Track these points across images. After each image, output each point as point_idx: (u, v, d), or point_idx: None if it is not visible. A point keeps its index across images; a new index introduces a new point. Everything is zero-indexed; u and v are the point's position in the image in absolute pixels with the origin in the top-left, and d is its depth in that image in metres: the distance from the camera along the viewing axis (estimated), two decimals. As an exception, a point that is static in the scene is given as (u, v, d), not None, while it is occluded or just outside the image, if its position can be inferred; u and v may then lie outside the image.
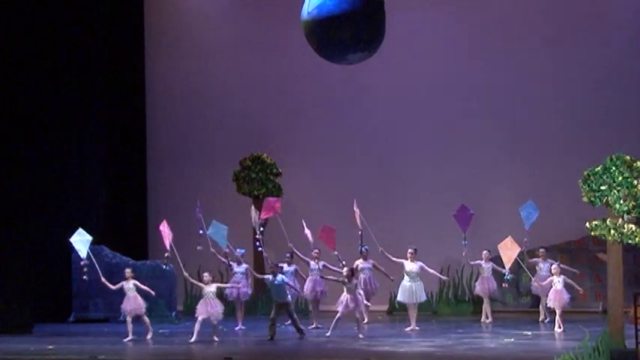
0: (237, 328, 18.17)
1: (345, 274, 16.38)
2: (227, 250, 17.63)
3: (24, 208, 20.97)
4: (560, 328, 16.59)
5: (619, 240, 12.96)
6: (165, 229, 17.02)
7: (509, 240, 16.51)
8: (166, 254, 17.15)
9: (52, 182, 21.29)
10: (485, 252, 18.43)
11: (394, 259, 17.57)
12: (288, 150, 22.40)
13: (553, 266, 17.15)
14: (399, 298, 17.79)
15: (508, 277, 16.49)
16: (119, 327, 18.19)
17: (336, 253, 16.93)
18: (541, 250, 18.56)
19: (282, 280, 16.36)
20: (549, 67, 21.26)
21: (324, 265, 17.97)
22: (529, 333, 16.58)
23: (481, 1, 21.82)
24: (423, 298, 17.87)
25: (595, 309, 19.80)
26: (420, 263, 17.59)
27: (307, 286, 18.25)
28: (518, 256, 16.57)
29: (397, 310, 21.26)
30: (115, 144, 22.54)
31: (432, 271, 17.77)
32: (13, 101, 21.10)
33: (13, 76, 21.03)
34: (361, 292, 16.86)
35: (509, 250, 16.45)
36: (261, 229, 17.91)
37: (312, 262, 18.08)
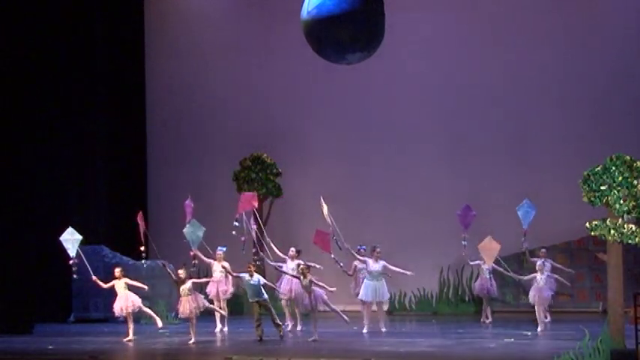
0: (216, 330, 17.87)
1: (300, 269, 16.25)
2: (195, 252, 17.02)
3: (24, 208, 20.99)
4: (542, 325, 16.67)
5: (619, 240, 12.95)
6: (140, 221, 17.32)
7: (488, 239, 16.59)
8: (142, 247, 17.31)
9: (52, 182, 21.32)
10: (498, 245, 18.31)
11: (360, 257, 17.35)
12: (288, 150, 22.40)
13: (537, 263, 17.21)
14: (361, 296, 17.40)
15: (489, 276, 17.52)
16: (119, 327, 18.20)
17: (333, 256, 16.88)
18: (542, 250, 18.57)
19: (259, 281, 16.27)
20: (550, 67, 21.24)
21: (298, 265, 17.57)
22: (529, 333, 16.58)
23: (481, 2, 21.81)
24: (386, 296, 17.66)
25: (595, 309, 19.82)
26: (383, 262, 17.35)
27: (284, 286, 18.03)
28: (523, 254, 16.65)
29: (397, 310, 21.32)
30: (115, 144, 22.55)
31: (395, 269, 17.47)
32: (13, 102, 21.12)
33: (14, 76, 21.06)
34: (322, 292, 16.31)
35: (489, 250, 16.55)
36: (237, 223, 17.54)
37: (288, 261, 17.85)
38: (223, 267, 17.69)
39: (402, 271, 17.56)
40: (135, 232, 18.08)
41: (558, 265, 18.64)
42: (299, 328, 17.59)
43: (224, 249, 17.87)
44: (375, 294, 17.34)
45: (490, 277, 18.50)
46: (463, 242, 17.53)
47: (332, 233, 16.97)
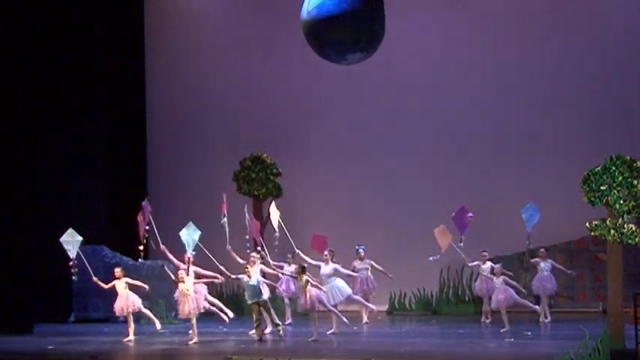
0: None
1: (295, 271, 16.23)
2: (190, 256, 16.78)
3: (24, 208, 20.99)
4: (505, 327, 16.69)
5: (619, 240, 12.95)
6: (141, 217, 17.18)
7: (442, 227, 16.98)
8: (141, 246, 17.27)
9: (53, 182, 21.33)
10: (483, 252, 18.36)
11: (311, 261, 16.97)
12: (288, 150, 22.40)
13: (495, 268, 17.18)
14: (332, 302, 16.92)
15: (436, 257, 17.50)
16: (119, 327, 18.21)
17: (326, 253, 16.92)
18: (541, 250, 18.57)
19: (258, 281, 16.24)
20: (550, 67, 21.23)
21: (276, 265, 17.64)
22: (529, 333, 16.58)
23: (481, 1, 21.81)
24: (341, 296, 17.01)
25: (595, 309, 19.81)
26: (334, 265, 17.10)
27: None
28: (523, 254, 16.56)
29: (397, 310, 21.32)
30: (115, 144, 22.56)
31: (345, 271, 17.38)
32: (14, 101, 21.12)
33: (14, 76, 21.06)
34: (319, 292, 16.20)
35: (442, 237, 16.92)
36: (225, 219, 17.41)
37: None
38: (195, 271, 17.38)
39: (351, 273, 17.61)
40: (135, 232, 17.97)
41: (559, 266, 18.65)
42: (267, 330, 17.14)
43: (194, 253, 17.13)
44: (331, 297, 16.85)
45: (489, 277, 18.43)
46: (459, 244, 17.48)
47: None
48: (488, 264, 18.33)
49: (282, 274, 17.66)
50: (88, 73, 21.92)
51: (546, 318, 18.15)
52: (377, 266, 18.36)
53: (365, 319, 18.49)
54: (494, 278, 17.10)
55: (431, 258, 17.66)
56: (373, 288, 18.53)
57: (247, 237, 17.73)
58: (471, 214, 17.83)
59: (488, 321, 18.58)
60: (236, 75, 23.09)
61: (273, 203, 17.70)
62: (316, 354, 14.57)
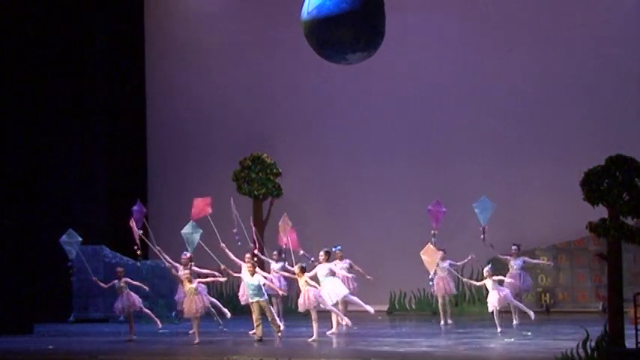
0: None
1: (296, 271, 16.28)
2: (191, 255, 16.72)
3: (24, 209, 21.00)
4: (499, 328, 16.60)
5: (619, 240, 12.94)
6: (134, 225, 17.11)
7: (429, 247, 16.75)
8: (137, 248, 17.23)
9: (53, 182, 21.34)
10: (440, 250, 18.19)
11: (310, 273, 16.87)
12: (288, 150, 22.41)
13: (485, 269, 17.07)
14: (329, 301, 16.87)
15: (431, 283, 17.57)
16: (119, 327, 18.22)
17: (302, 252, 16.93)
18: (513, 247, 18.46)
19: (259, 281, 16.23)
20: (549, 67, 21.26)
21: (283, 267, 17.78)
22: (529, 333, 16.58)
23: (480, 2, 21.81)
24: (338, 295, 16.89)
25: (595, 309, 19.82)
26: (330, 265, 17.01)
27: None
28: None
29: (397, 310, 21.32)
30: (116, 144, 22.57)
31: (339, 271, 17.35)
32: (14, 102, 21.13)
33: (14, 77, 21.07)
34: (317, 291, 16.18)
35: (430, 257, 16.71)
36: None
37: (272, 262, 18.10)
38: (194, 271, 17.20)
39: (345, 274, 17.54)
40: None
41: (533, 261, 18.60)
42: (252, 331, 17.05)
43: (188, 253, 17.02)
44: (330, 297, 16.73)
45: (446, 276, 18.22)
46: (432, 239, 17.47)
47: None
48: (447, 262, 18.20)
49: (279, 274, 17.70)
50: (88, 74, 21.93)
51: (515, 320, 17.76)
52: (356, 267, 18.19)
53: (341, 320, 18.16)
54: (486, 281, 16.98)
55: (433, 288, 17.82)
56: (354, 288, 18.26)
57: (236, 236, 17.63)
58: (444, 210, 17.81)
59: (450, 322, 18.26)
60: (236, 75, 23.11)
61: (284, 216, 17.60)
62: (316, 354, 14.57)
